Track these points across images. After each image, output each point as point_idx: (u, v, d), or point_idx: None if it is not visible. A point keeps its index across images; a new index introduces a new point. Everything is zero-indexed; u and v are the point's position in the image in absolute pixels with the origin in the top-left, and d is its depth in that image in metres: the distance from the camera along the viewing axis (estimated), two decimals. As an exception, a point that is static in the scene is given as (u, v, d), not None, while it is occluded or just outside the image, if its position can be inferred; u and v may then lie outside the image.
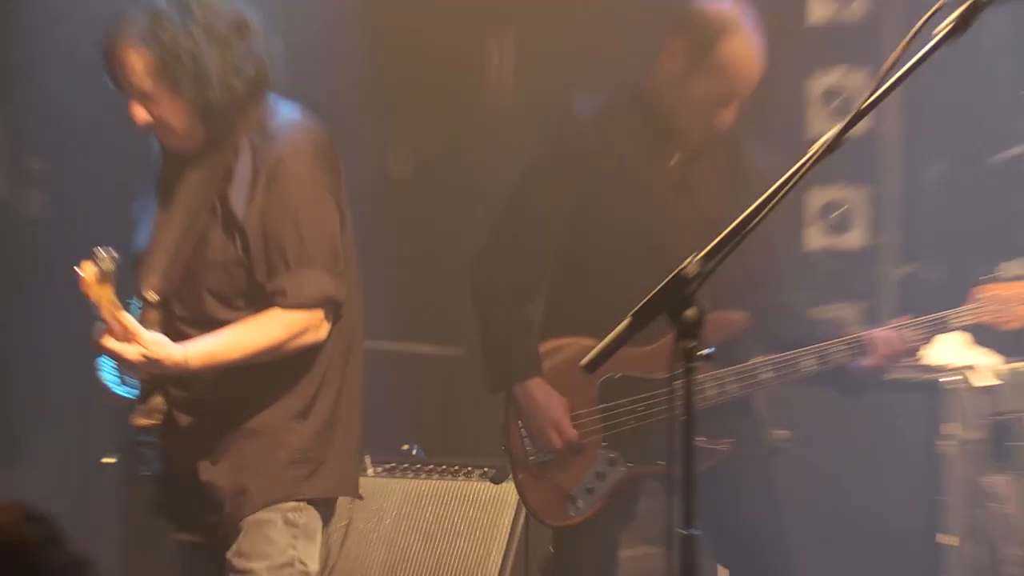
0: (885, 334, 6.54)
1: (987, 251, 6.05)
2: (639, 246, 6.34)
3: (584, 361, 3.90)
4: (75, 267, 5.23)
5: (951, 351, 6.07)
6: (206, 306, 5.43)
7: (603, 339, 4.08)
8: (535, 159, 6.77)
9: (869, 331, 6.57)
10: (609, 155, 6.62)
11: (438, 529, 7.65)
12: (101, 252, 5.00)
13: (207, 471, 5.53)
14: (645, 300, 3.74)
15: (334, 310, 5.37)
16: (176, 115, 5.46)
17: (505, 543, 7.41)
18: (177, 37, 5.43)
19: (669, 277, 3.74)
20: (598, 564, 6.76)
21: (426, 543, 7.70)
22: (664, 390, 6.13)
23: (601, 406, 6.58)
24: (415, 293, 7.20)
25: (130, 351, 5.14)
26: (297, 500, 5.54)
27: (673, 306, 3.71)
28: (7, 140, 8.74)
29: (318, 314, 5.43)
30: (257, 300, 5.32)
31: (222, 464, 5.59)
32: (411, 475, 7.84)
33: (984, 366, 6.24)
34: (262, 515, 5.48)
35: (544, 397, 6.57)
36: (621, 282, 5.77)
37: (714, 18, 6.45)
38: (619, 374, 6.58)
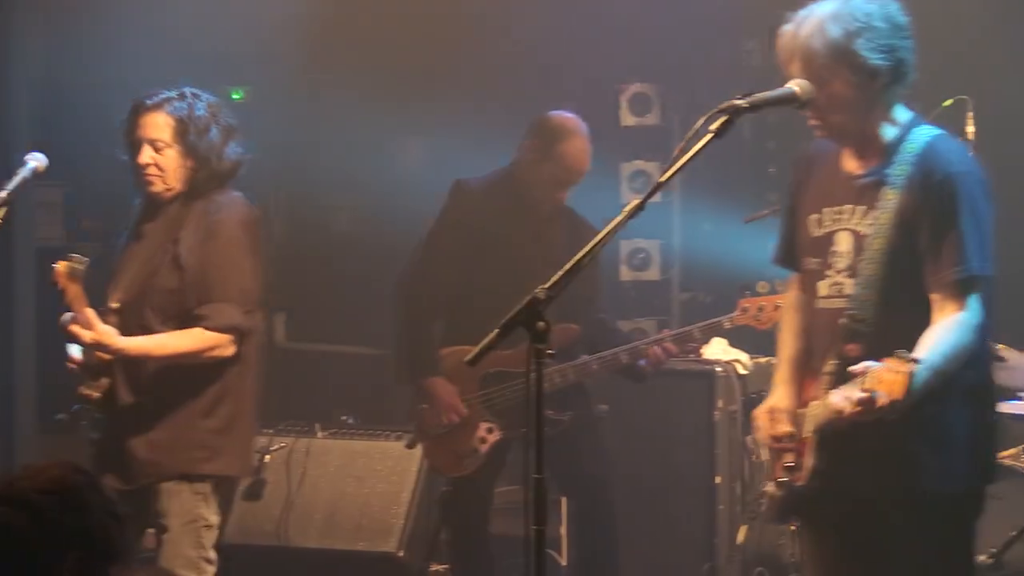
0: (661, 345, 6.59)
1: (744, 280, 5.97)
2: (508, 281, 6.01)
3: (467, 359, 3.85)
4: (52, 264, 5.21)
5: (719, 350, 6.09)
6: (147, 319, 5.39)
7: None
8: (440, 218, 6.85)
9: (655, 338, 6.73)
10: (489, 217, 6.69)
11: (367, 475, 7.63)
12: (76, 256, 5.19)
13: (132, 443, 5.47)
14: (508, 316, 3.72)
15: (240, 337, 5.38)
16: (172, 164, 5.47)
17: (413, 484, 7.51)
18: (198, 113, 5.47)
19: (525, 300, 3.73)
20: (480, 497, 6.77)
21: (358, 485, 7.64)
22: (523, 380, 5.47)
23: (481, 392, 6.59)
24: (358, 309, 7.05)
25: (86, 335, 5.16)
26: (199, 476, 5.48)
27: (528, 320, 3.69)
28: (64, 204, 8.21)
29: (227, 337, 5.37)
30: (186, 321, 5.33)
31: (143, 440, 5.49)
32: (348, 438, 7.79)
33: (741, 360, 6.17)
34: (172, 485, 5.43)
35: (441, 388, 6.58)
36: (496, 306, 5.47)
37: (557, 125, 6.64)
38: (494, 369, 6.50)
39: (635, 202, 3.90)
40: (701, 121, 3.97)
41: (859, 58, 4.32)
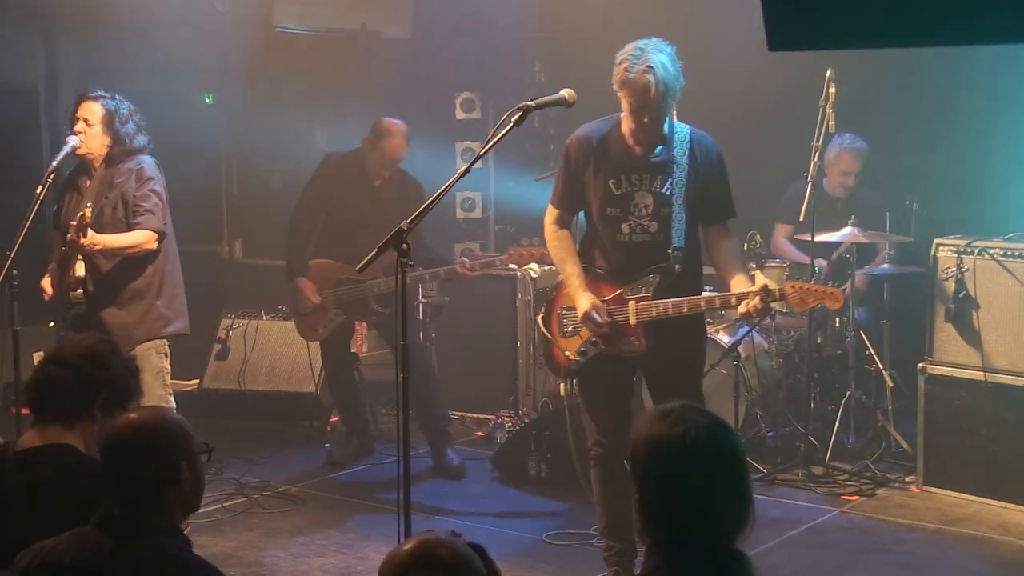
0: (472, 260, 6.43)
1: (530, 224, 6.02)
2: (352, 223, 6.40)
3: (358, 267, 3.90)
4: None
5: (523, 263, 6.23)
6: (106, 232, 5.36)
7: (340, 262, 3.88)
8: (314, 175, 6.82)
9: (469, 257, 6.54)
10: (342, 180, 6.67)
11: (295, 344, 7.48)
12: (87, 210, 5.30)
13: (109, 323, 5.41)
14: (383, 240, 3.70)
15: (161, 237, 5.50)
16: (97, 140, 5.44)
17: (307, 347, 7.43)
18: (121, 110, 5.43)
19: (394, 230, 3.71)
20: (339, 352, 6.83)
21: (289, 350, 7.58)
22: (358, 285, 6.37)
23: (332, 290, 6.63)
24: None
25: (84, 233, 5.12)
26: (161, 338, 5.60)
27: (396, 243, 3.69)
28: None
29: (154, 236, 5.46)
30: (130, 229, 5.41)
31: (118, 322, 5.46)
32: (283, 319, 7.58)
33: (533, 267, 6.42)
34: (142, 349, 5.46)
35: (304, 284, 6.66)
36: (345, 237, 6.30)
37: (384, 127, 6.56)
38: (343, 276, 6.53)
39: (463, 168, 4.10)
40: (506, 115, 4.11)
41: (670, 98, 4.57)
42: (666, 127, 4.69)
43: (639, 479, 2.49)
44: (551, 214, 4.89)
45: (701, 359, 5.12)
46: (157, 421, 2.98)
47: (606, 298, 4.80)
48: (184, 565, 2.87)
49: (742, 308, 4.63)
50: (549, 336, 5.02)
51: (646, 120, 4.59)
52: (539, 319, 5.13)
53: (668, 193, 4.66)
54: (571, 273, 4.78)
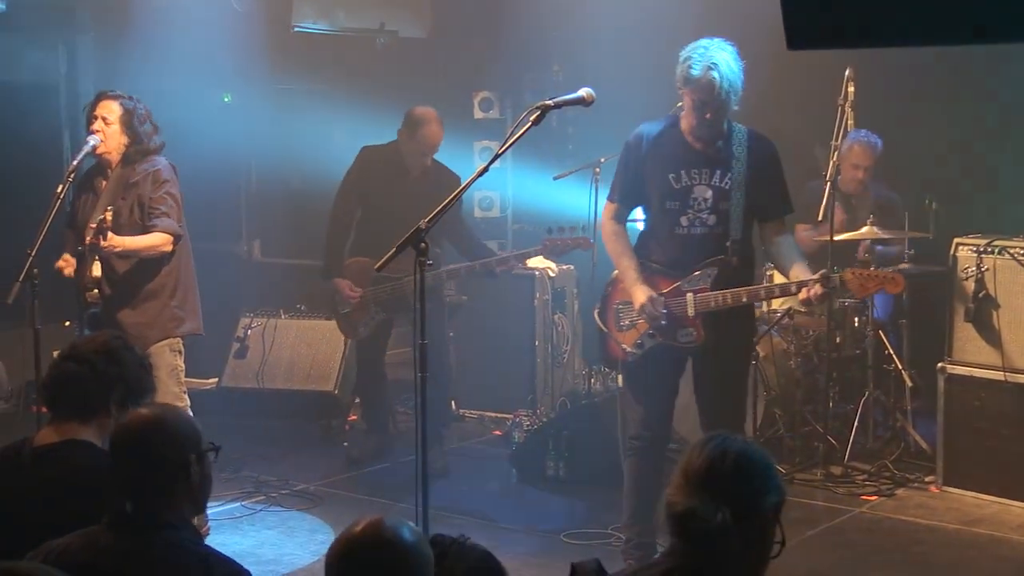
0: (502, 257, 6.62)
1: (552, 222, 5.91)
2: (390, 217, 6.16)
3: (376, 265, 3.91)
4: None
5: (538, 261, 6.33)
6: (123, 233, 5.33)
7: (376, 259, 4.33)
8: (349, 170, 6.77)
9: (500, 256, 6.68)
10: (379, 173, 6.65)
11: (314, 342, 7.69)
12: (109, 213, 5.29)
13: (125, 323, 5.40)
14: (402, 239, 3.74)
15: (176, 239, 5.48)
16: (115, 139, 5.41)
17: (343, 349, 7.59)
18: (139, 111, 5.43)
19: (413, 229, 3.75)
20: (374, 353, 6.79)
21: (308, 348, 7.74)
22: (395, 282, 6.32)
23: (370, 288, 6.61)
24: (307, 236, 6.99)
25: (104, 236, 5.08)
26: (174, 337, 5.59)
27: (415, 241, 3.71)
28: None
29: (170, 238, 5.46)
30: (143, 233, 5.38)
31: (132, 322, 5.46)
32: (301, 318, 7.83)
33: (551, 267, 6.54)
34: (156, 348, 5.46)
35: (342, 284, 6.67)
36: (383, 232, 5.91)
37: (418, 115, 6.58)
38: (380, 274, 5.72)
39: (481, 167, 4.11)
40: (524, 114, 4.10)
41: (733, 95, 4.67)
42: (725, 124, 4.79)
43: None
44: (609, 209, 4.99)
45: (751, 346, 5.43)
46: (166, 416, 3.00)
47: (663, 291, 4.88)
48: (203, 558, 2.85)
49: (802, 295, 4.74)
50: (605, 330, 5.08)
51: (708, 116, 4.69)
52: (595, 313, 5.17)
53: (727, 187, 4.76)
54: (627, 267, 4.88)
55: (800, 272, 4.81)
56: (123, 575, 2.74)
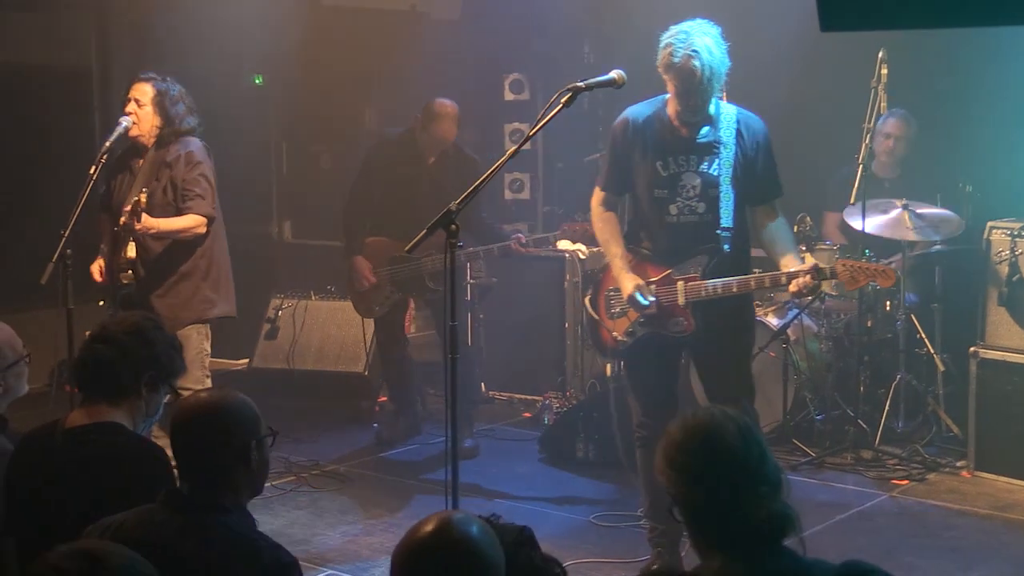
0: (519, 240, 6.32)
1: (578, 205, 5.90)
2: (408, 200, 6.36)
3: (406, 248, 3.84)
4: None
5: (567, 243, 6.02)
6: (155, 215, 5.37)
7: (393, 240, 3.91)
8: (366, 156, 6.90)
9: (524, 237, 6.47)
10: (396, 159, 6.67)
11: (344, 323, 7.69)
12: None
13: (156, 304, 5.46)
14: (433, 221, 3.67)
15: (210, 221, 5.52)
16: (148, 121, 5.46)
17: (373, 330, 7.37)
18: (172, 92, 5.48)
19: (443, 211, 3.67)
20: (393, 330, 6.79)
21: (338, 329, 7.76)
22: (414, 263, 6.33)
23: (387, 268, 6.59)
24: (338, 217, 7.00)
25: (139, 218, 5.13)
26: (206, 321, 5.65)
27: (445, 223, 3.67)
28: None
29: (204, 220, 5.49)
30: (177, 214, 5.43)
31: (164, 303, 5.49)
32: (332, 299, 7.85)
33: (581, 249, 6.21)
34: (186, 331, 5.48)
35: (360, 263, 6.65)
36: (401, 214, 6.20)
37: (433, 110, 6.54)
38: (398, 255, 6.48)
39: (512, 149, 4.15)
40: (555, 96, 4.05)
41: (716, 80, 4.55)
42: (712, 108, 4.69)
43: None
44: (597, 196, 4.89)
45: (750, 341, 5.12)
46: (230, 401, 2.98)
47: (652, 279, 4.81)
48: (252, 543, 2.85)
49: (792, 287, 4.63)
50: (596, 317, 5.02)
51: (692, 103, 4.59)
52: (586, 300, 5.13)
53: (715, 174, 4.66)
54: (615, 254, 4.80)
55: (790, 262, 4.70)
56: (176, 553, 2.76)
